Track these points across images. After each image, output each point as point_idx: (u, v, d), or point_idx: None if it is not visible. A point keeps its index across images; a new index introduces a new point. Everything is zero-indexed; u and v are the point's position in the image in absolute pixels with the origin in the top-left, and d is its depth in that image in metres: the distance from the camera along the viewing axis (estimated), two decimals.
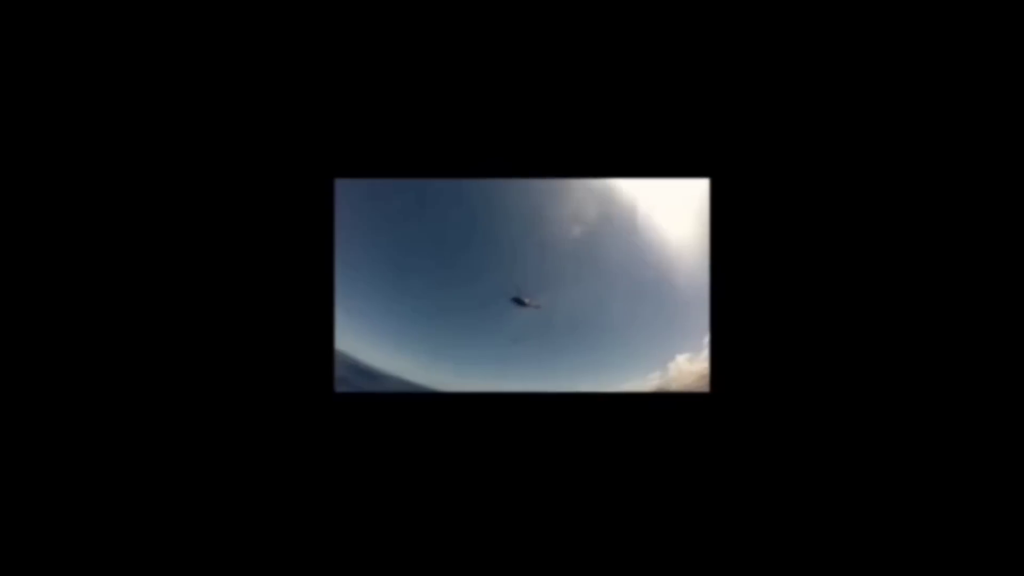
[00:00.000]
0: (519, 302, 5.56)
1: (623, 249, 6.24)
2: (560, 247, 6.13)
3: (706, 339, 2.95)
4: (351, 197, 3.02)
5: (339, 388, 2.92)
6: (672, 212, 5.73)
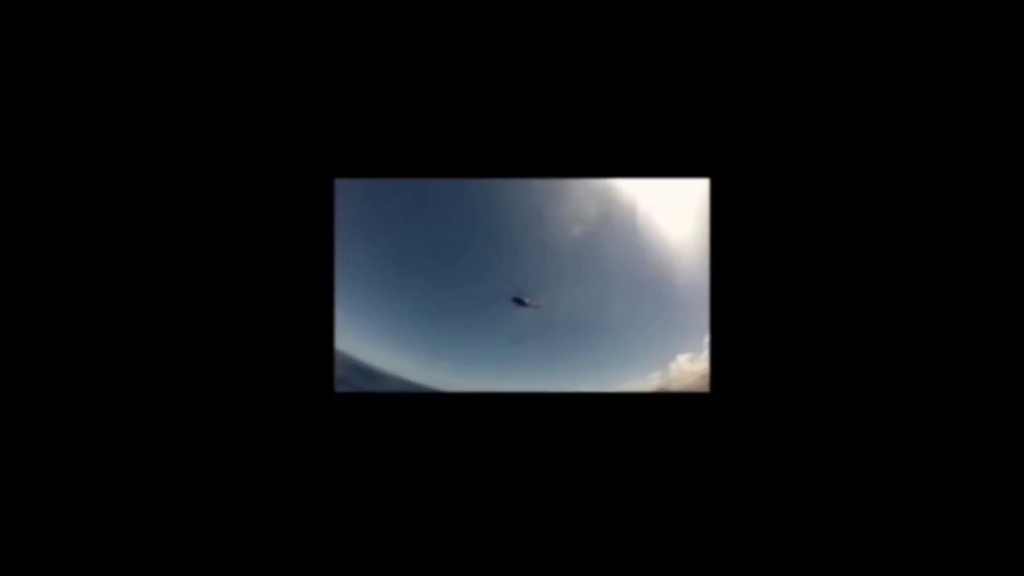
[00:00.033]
0: (519, 302, 5.55)
1: (623, 249, 6.25)
2: (560, 247, 6.13)
3: (707, 339, 2.95)
4: (351, 197, 3.02)
5: (339, 388, 2.92)
6: (672, 212, 5.74)
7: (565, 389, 3.05)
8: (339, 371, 2.95)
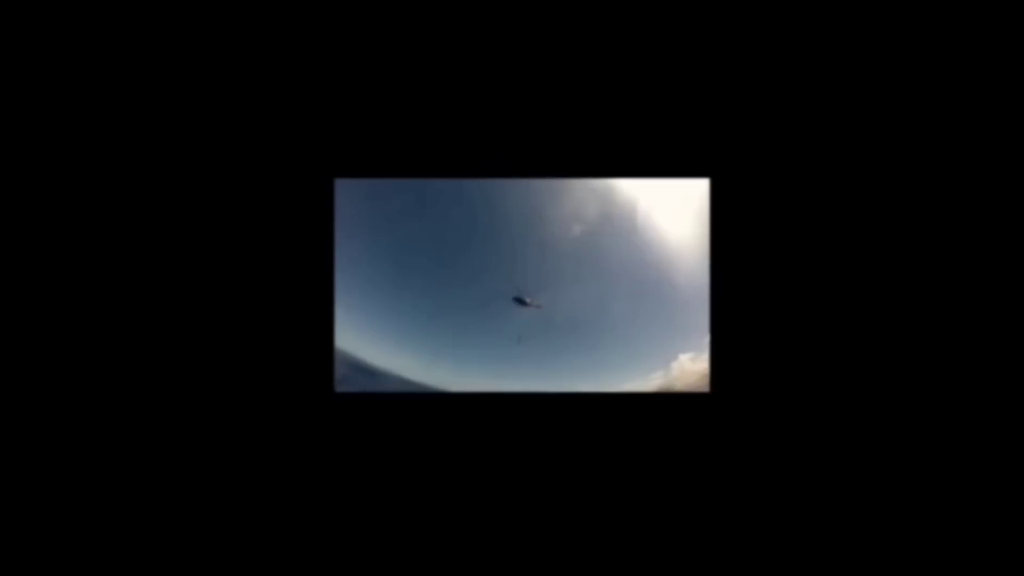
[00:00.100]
0: (520, 302, 5.56)
1: (624, 249, 6.25)
2: (560, 247, 6.13)
3: (708, 339, 2.95)
4: (351, 197, 3.02)
5: (340, 386, 2.92)
6: (672, 212, 5.73)
7: (567, 389, 3.05)
8: (340, 369, 2.95)
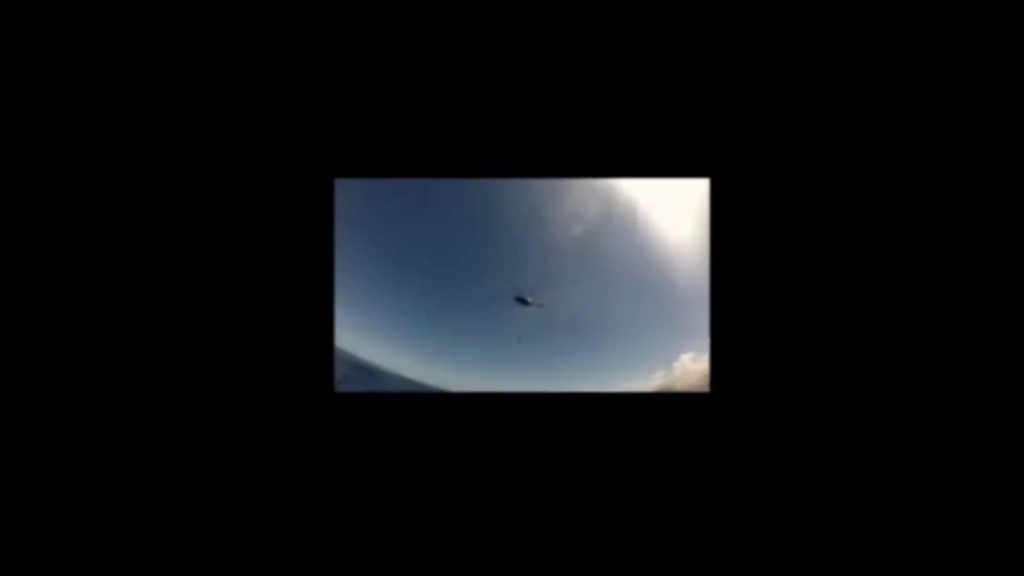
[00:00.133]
0: (522, 301, 5.55)
1: (624, 248, 6.24)
2: (561, 246, 6.13)
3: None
4: (351, 197, 3.02)
5: (340, 386, 2.92)
6: (673, 211, 5.73)
7: (568, 389, 3.05)
8: (340, 368, 2.95)
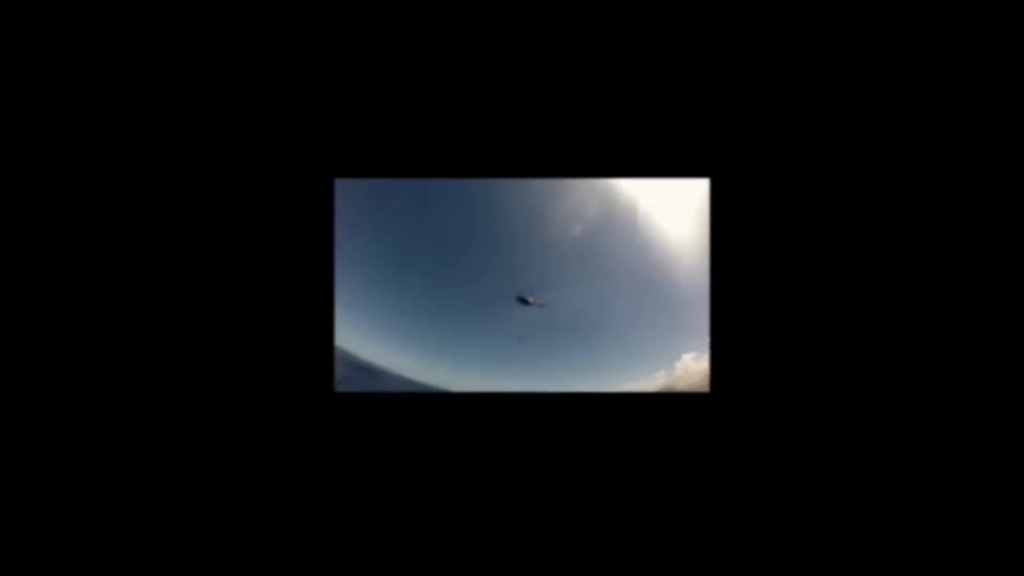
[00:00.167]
0: (523, 301, 5.55)
1: (625, 248, 6.24)
2: (561, 246, 6.13)
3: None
4: (351, 197, 3.02)
5: (340, 386, 2.92)
6: (673, 211, 5.72)
7: (568, 389, 3.05)
8: (340, 368, 2.95)
